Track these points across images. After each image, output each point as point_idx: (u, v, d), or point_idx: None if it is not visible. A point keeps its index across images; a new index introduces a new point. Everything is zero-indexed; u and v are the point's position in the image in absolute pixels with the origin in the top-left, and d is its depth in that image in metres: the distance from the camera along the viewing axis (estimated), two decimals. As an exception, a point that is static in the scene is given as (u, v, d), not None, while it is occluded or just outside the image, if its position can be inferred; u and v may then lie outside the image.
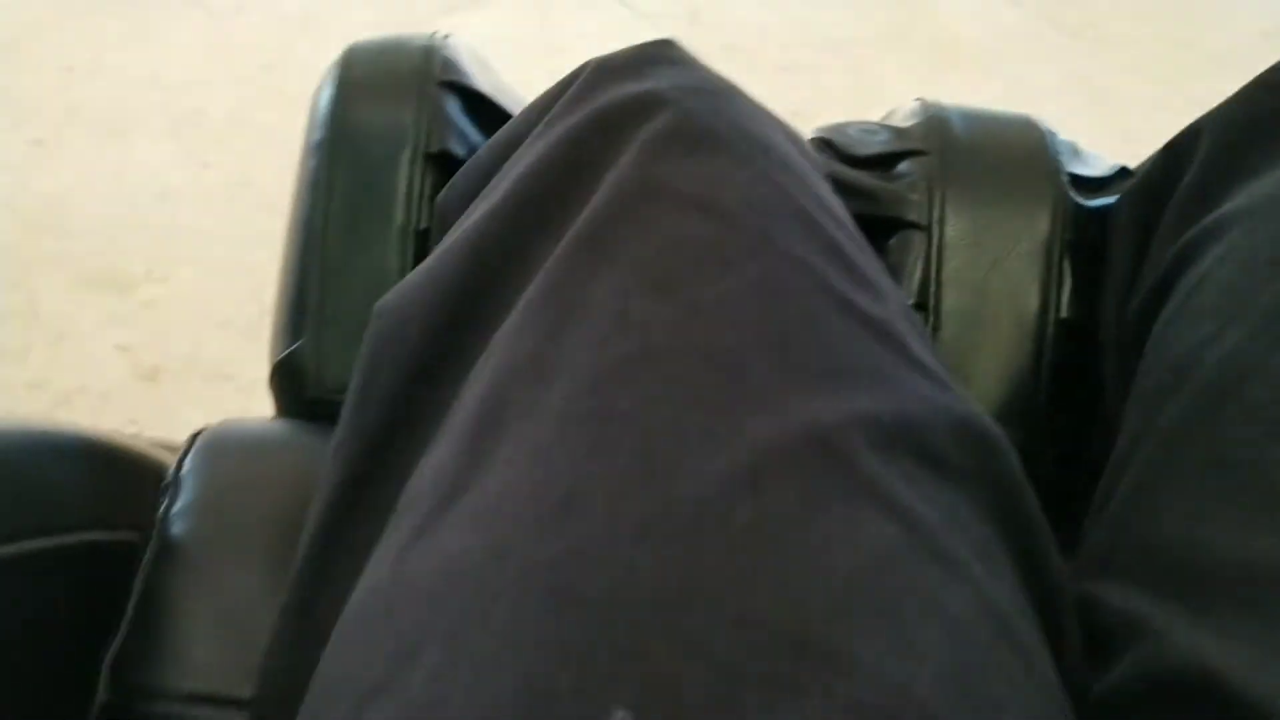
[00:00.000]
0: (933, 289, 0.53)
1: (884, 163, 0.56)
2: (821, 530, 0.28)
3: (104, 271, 1.33)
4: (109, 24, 1.70)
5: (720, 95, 0.41)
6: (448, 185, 0.50)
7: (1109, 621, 0.35)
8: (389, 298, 0.39)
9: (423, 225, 0.52)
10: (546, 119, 0.41)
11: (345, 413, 0.38)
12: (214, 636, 0.40)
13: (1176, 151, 0.50)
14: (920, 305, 0.53)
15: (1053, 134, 0.57)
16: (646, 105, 0.39)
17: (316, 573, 0.36)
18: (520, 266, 0.36)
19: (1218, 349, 0.37)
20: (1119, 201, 0.53)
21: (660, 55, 0.42)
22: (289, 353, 0.51)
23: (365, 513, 0.35)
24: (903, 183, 0.55)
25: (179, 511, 0.43)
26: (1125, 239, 0.51)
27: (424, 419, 0.35)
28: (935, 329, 0.53)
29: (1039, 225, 0.54)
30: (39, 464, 0.40)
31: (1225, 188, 0.44)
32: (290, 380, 0.51)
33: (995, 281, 0.53)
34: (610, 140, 0.38)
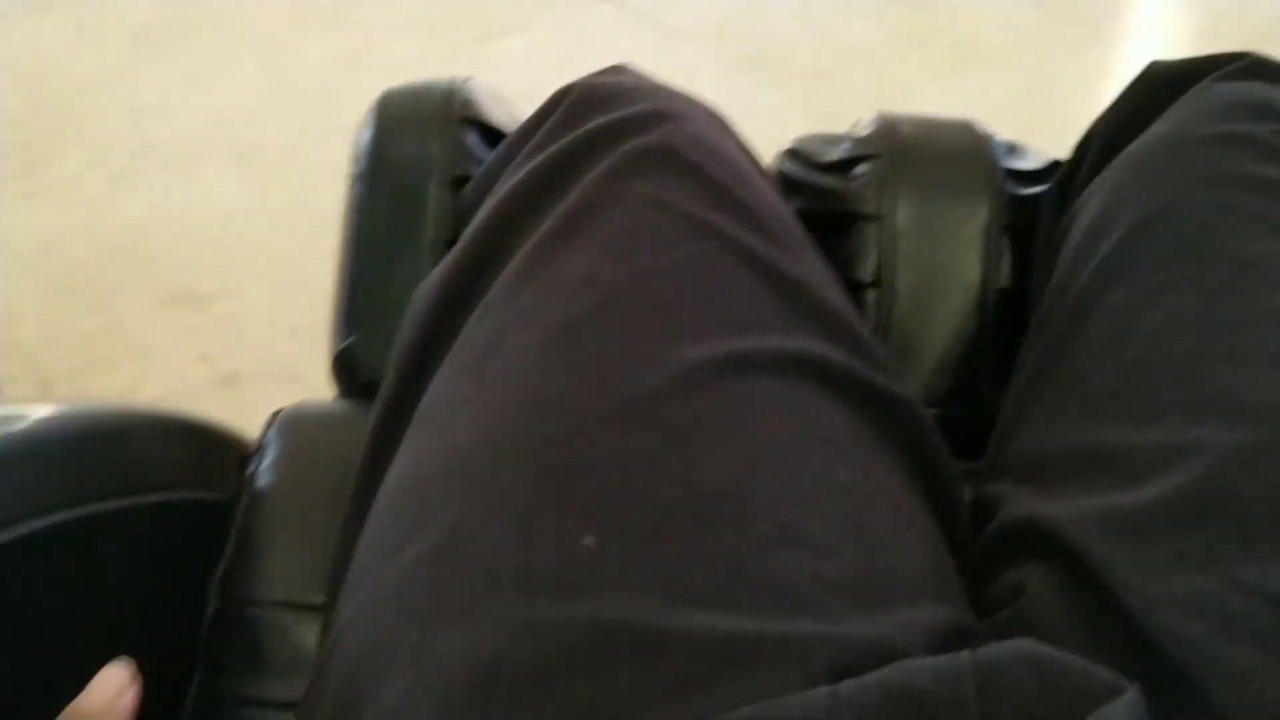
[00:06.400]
0: (886, 270, 0.62)
1: (845, 166, 0.66)
2: (736, 420, 0.39)
3: (181, 290, 1.46)
4: (173, 69, 1.84)
5: (677, 118, 0.50)
6: (467, 187, 0.61)
7: (989, 506, 0.46)
8: (419, 287, 0.50)
9: (449, 238, 0.62)
10: (535, 140, 0.52)
11: (386, 373, 0.49)
12: (293, 559, 0.52)
13: (1081, 145, 0.59)
14: (875, 283, 0.62)
15: (991, 135, 0.66)
16: (617, 131, 0.49)
17: (361, 500, 0.46)
18: (508, 247, 0.47)
19: (1070, 294, 0.47)
20: (1047, 190, 0.62)
21: (628, 86, 0.52)
22: (345, 346, 0.62)
23: (395, 442, 0.45)
24: (859, 182, 0.64)
25: (265, 468, 0.54)
26: (1047, 219, 0.60)
27: (434, 360, 0.46)
28: (890, 303, 0.62)
29: (978, 212, 0.63)
30: (153, 438, 0.51)
31: (1099, 171, 0.53)
32: (346, 368, 0.62)
33: (940, 260, 0.63)
34: (586, 158, 0.49)
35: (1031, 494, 0.43)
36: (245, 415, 1.31)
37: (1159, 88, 0.56)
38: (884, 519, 0.40)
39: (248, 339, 1.40)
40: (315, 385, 1.34)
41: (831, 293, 0.47)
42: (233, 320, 1.42)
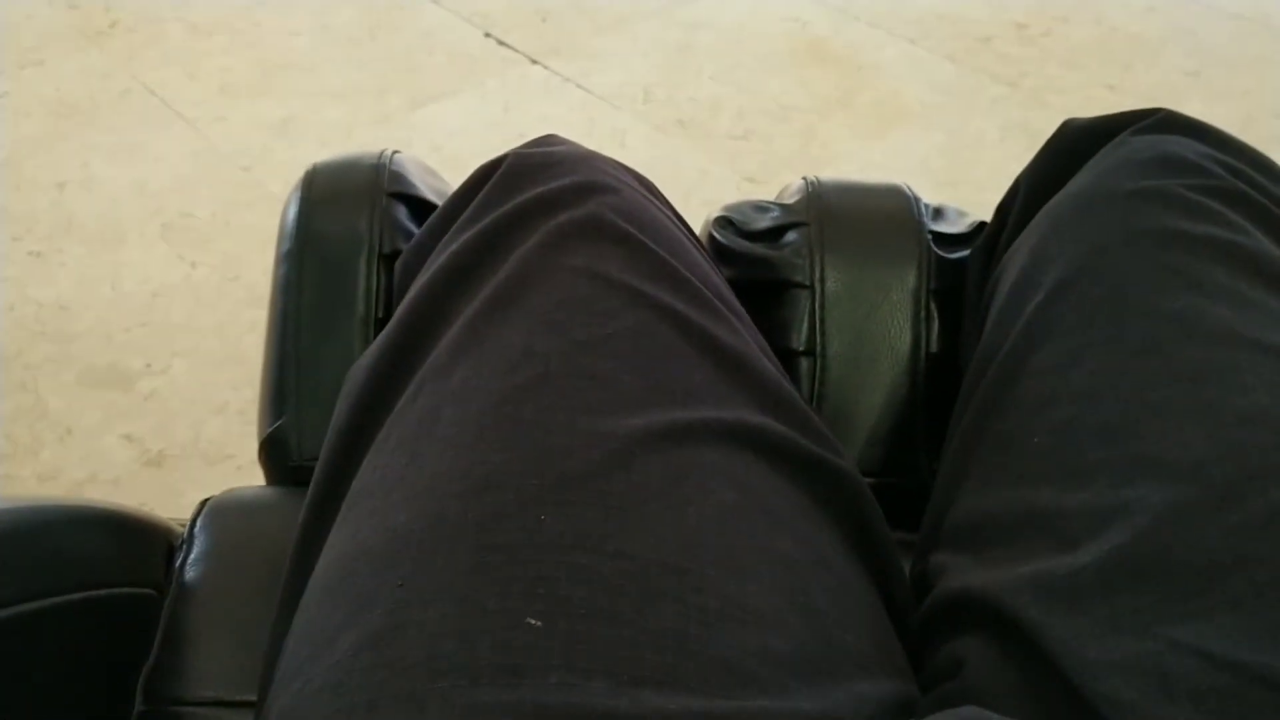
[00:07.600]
0: (819, 337, 0.63)
1: (774, 234, 0.66)
2: (676, 492, 0.39)
3: (106, 369, 1.43)
4: (97, 139, 1.81)
5: (607, 190, 0.50)
6: (399, 262, 0.60)
7: (928, 577, 0.46)
8: (353, 367, 0.49)
9: (381, 315, 0.61)
10: (467, 214, 0.52)
11: (321, 455, 0.48)
12: (224, 654, 0.50)
13: (1003, 206, 0.60)
14: (809, 351, 0.63)
15: (918, 199, 0.67)
16: (548, 204, 0.49)
17: (294, 587, 0.45)
18: (441, 323, 0.47)
19: (997, 357, 0.48)
20: (972, 253, 0.63)
21: (558, 157, 0.52)
22: (273, 429, 0.60)
23: (329, 525, 0.44)
24: (789, 249, 0.64)
25: (193, 561, 0.53)
26: (974, 282, 0.61)
27: (368, 440, 0.45)
28: (823, 371, 0.62)
29: (906, 277, 0.64)
30: (72, 533, 0.49)
31: (1021, 230, 0.54)
32: (276, 452, 0.61)
33: (871, 327, 0.63)
34: (518, 232, 0.48)
35: (968, 563, 0.43)
36: (173, 496, 1.28)
37: (1075, 144, 0.57)
38: (827, 590, 0.40)
39: (175, 417, 1.36)
40: (245, 463, 1.31)
41: (767, 363, 0.48)
42: (159, 398, 1.39)
